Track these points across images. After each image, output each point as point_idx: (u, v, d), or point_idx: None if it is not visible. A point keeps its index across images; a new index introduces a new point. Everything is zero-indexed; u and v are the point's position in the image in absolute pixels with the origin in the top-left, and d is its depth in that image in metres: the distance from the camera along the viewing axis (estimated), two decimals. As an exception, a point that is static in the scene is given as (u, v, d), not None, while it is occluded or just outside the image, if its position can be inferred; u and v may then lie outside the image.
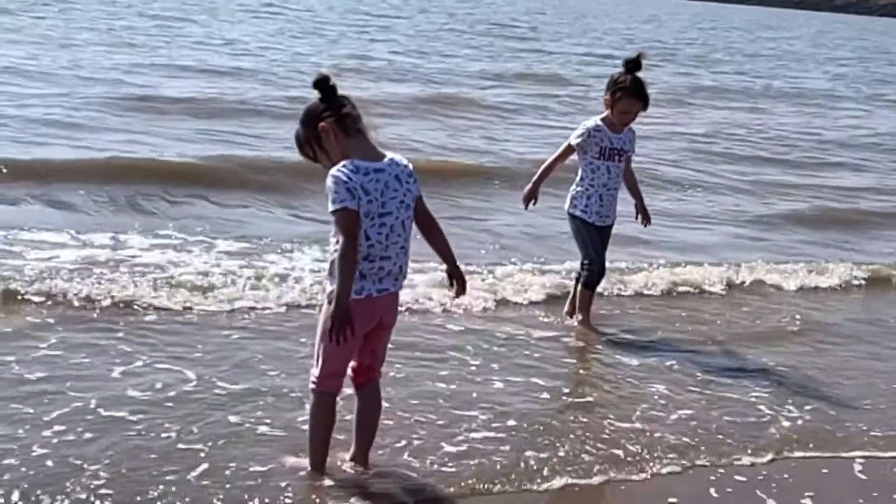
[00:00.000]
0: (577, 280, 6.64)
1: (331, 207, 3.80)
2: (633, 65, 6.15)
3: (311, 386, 4.10)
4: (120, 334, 5.73)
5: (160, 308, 6.20)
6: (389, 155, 3.98)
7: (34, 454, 4.27)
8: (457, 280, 4.15)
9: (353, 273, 3.81)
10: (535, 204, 6.50)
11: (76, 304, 6.11)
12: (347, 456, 4.31)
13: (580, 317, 6.58)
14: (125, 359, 5.39)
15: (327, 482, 4.18)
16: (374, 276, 3.91)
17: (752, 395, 5.71)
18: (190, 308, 6.25)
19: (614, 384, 5.74)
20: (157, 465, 4.24)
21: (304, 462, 4.26)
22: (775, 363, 6.30)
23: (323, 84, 3.91)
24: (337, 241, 3.85)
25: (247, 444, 4.51)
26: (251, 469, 4.27)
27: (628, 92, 6.14)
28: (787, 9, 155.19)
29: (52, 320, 5.85)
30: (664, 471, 4.71)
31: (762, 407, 5.54)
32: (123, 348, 5.53)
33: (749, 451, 4.97)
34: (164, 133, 12.13)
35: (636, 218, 6.67)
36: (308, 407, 4.25)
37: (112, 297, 6.22)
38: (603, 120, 6.30)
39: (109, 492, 4.00)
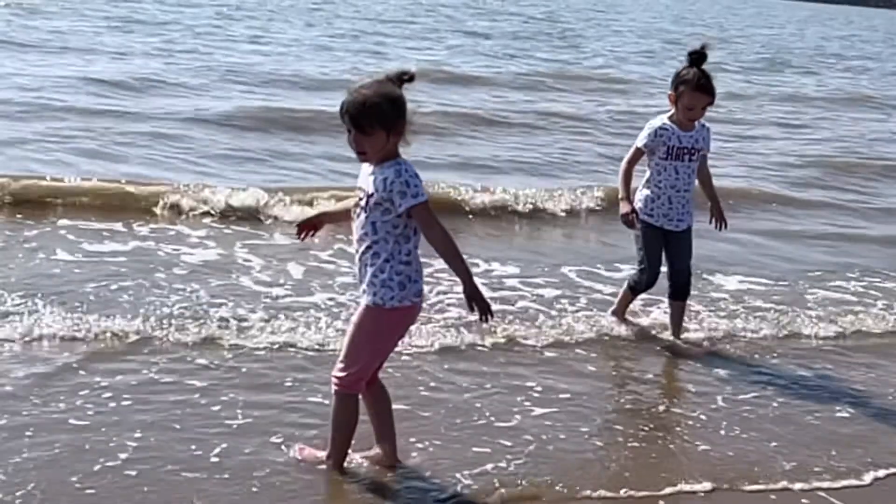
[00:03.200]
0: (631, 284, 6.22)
1: (417, 201, 3.79)
2: (697, 56, 5.74)
3: (335, 388, 4.01)
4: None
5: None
6: None
7: (71, 423, 4.30)
8: None
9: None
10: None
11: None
12: (371, 453, 4.18)
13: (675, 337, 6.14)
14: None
15: (352, 480, 4.08)
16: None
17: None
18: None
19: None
20: (180, 443, 4.23)
21: (322, 455, 4.16)
22: None
23: (411, 81, 3.87)
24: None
25: (282, 427, 4.45)
26: (269, 457, 4.20)
27: (691, 86, 5.73)
28: (826, 4, 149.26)
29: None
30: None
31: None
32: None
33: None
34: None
35: (710, 222, 6.09)
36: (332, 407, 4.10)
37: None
38: (671, 118, 5.91)
39: (131, 473, 3.98)
